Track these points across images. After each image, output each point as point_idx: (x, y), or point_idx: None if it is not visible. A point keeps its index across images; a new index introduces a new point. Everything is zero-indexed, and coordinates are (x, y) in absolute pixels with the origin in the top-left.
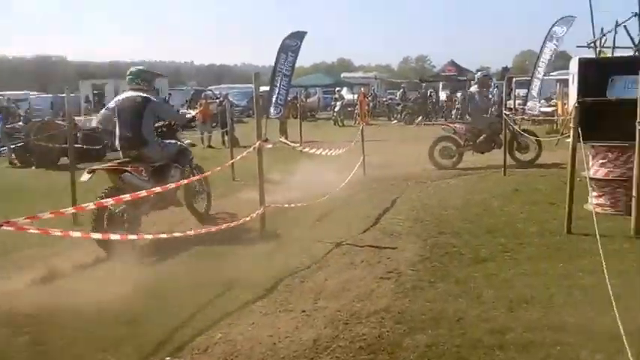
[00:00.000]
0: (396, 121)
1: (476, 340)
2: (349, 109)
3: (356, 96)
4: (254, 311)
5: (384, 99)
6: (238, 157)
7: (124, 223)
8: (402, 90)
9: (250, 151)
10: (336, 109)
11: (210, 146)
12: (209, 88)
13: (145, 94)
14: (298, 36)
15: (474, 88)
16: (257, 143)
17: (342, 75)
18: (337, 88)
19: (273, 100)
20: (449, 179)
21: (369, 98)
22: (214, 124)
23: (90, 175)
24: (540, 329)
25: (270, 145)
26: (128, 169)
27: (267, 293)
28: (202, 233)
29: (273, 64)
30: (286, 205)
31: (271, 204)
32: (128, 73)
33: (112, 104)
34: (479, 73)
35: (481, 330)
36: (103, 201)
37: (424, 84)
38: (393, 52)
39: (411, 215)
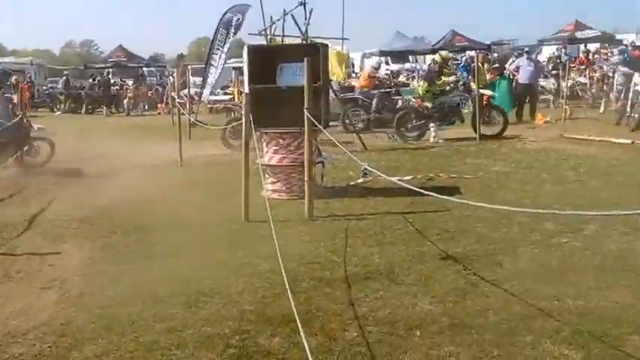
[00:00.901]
0: (59, 112)
1: (152, 342)
2: None
3: None
4: None
5: (45, 87)
6: None
7: None
8: (65, 77)
9: None
10: None
11: None
12: None
13: None
14: None
15: None
16: None
17: None
18: None
19: None
20: (124, 172)
21: (26, 87)
22: None
23: None
24: (220, 321)
25: None
26: None
27: None
28: None
29: None
30: None
31: None
32: None
33: None
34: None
35: (157, 330)
36: None
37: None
38: (54, 36)
39: (76, 215)
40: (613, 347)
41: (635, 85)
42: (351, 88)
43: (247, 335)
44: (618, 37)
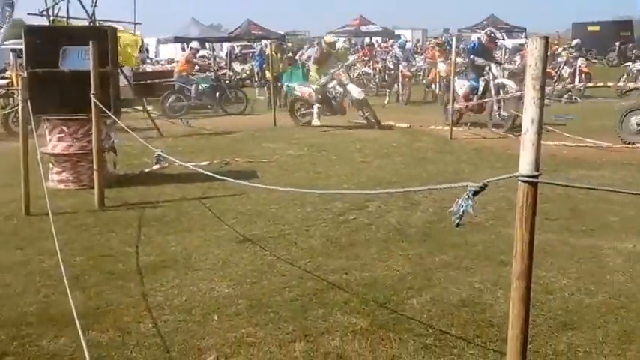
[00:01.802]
0: None
1: None
2: None
3: None
4: None
5: None
6: None
7: None
8: None
9: None
10: None
11: None
12: None
13: None
14: None
15: None
16: None
17: None
18: None
19: None
20: None
21: None
22: None
23: None
24: None
25: None
26: None
27: None
28: None
29: None
30: None
31: None
32: None
33: None
34: None
35: None
36: None
37: None
38: None
39: None
40: (395, 312)
41: (495, 77)
42: (146, 74)
43: (28, 339)
44: (397, 32)
